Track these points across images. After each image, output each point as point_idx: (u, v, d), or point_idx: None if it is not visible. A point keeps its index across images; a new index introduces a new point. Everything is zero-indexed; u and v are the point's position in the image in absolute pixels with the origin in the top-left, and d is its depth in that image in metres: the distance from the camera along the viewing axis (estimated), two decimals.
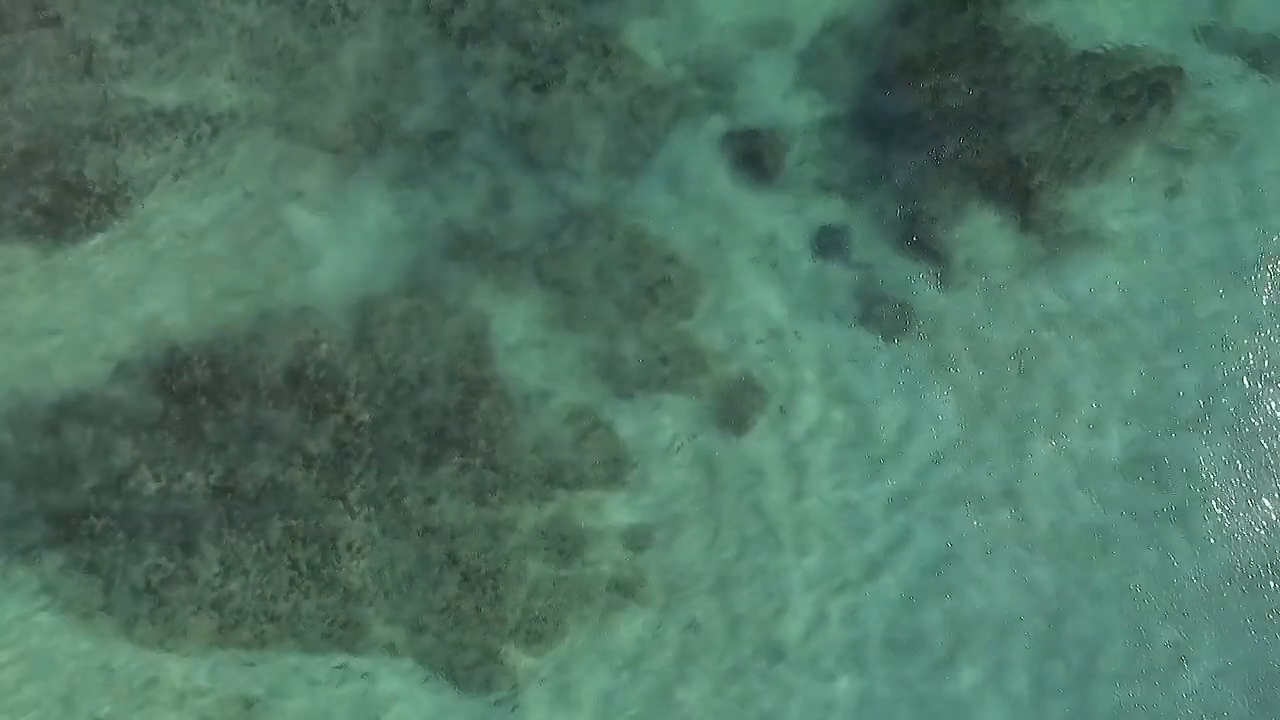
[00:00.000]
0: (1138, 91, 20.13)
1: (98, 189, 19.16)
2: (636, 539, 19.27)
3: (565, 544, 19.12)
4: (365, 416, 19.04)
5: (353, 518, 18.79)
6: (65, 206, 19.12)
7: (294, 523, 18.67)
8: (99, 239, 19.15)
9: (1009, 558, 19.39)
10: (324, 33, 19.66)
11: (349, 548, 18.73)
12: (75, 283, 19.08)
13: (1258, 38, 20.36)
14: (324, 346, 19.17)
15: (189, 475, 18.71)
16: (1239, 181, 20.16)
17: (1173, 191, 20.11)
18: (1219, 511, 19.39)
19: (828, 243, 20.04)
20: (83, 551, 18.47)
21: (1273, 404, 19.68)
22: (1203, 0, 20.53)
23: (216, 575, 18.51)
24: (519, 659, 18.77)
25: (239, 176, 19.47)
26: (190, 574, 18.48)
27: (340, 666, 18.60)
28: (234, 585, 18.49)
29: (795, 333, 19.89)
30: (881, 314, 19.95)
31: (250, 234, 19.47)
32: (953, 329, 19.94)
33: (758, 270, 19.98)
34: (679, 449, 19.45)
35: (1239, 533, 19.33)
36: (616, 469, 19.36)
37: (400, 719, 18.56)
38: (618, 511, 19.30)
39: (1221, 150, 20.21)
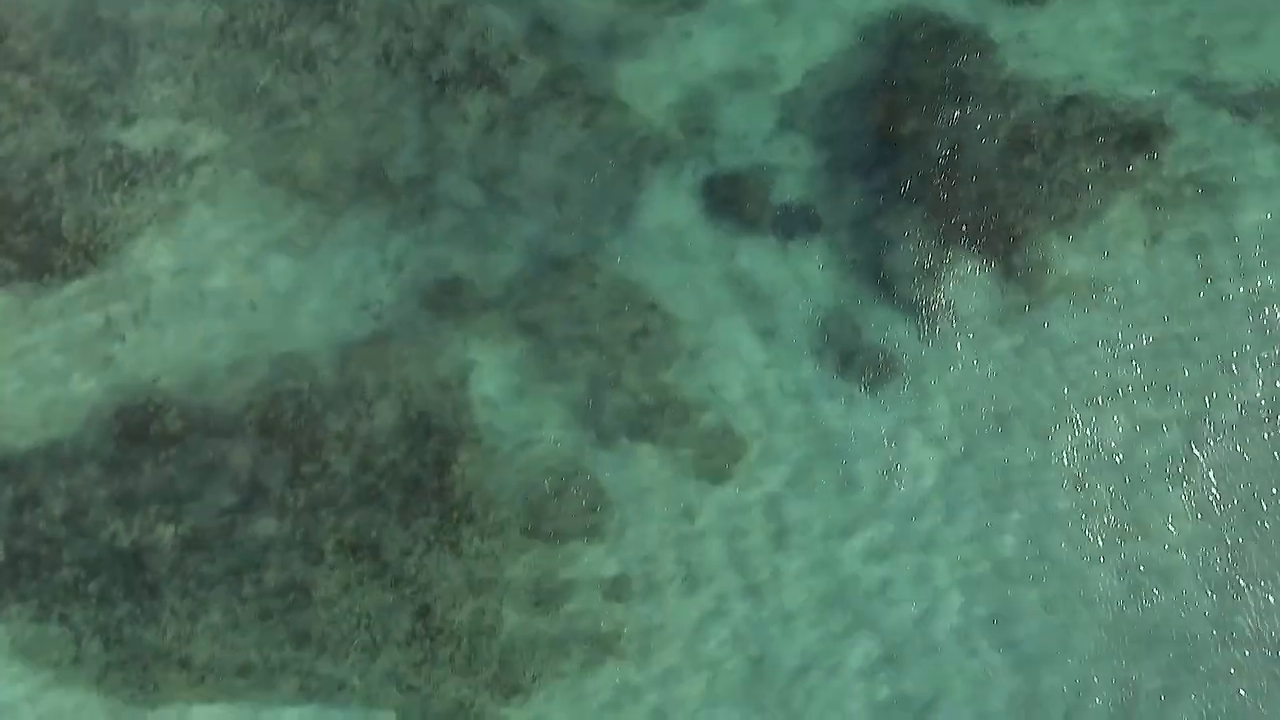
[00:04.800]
0: (1121, 140, 20.05)
1: (75, 236, 19.05)
2: (615, 590, 19.10)
3: (543, 595, 18.96)
4: (342, 466, 18.88)
5: (328, 569, 18.61)
6: (42, 254, 19.01)
7: (267, 574, 18.49)
8: (76, 286, 19.02)
9: (990, 610, 19.23)
10: (304, 77, 19.58)
11: (324, 600, 18.56)
12: (51, 330, 18.94)
13: (1242, 87, 20.29)
14: (301, 395, 19.01)
15: (161, 526, 18.54)
16: (1222, 230, 20.04)
17: (1155, 240, 19.99)
18: (1198, 562, 19.26)
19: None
20: (53, 603, 18.28)
21: (1257, 451, 19.55)
22: (1187, 50, 20.46)
23: (188, 627, 18.33)
24: (495, 712, 18.58)
25: (217, 221, 19.34)
26: (161, 626, 18.31)
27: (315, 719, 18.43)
28: (206, 637, 18.30)
29: (775, 381, 19.74)
30: (862, 362, 19.82)
31: (227, 280, 19.34)
32: (934, 377, 19.80)
33: (738, 318, 19.84)
34: (658, 499, 19.30)
35: (1220, 581, 19.20)
36: (595, 519, 19.20)
37: None
38: (596, 562, 19.13)
39: (1204, 199, 20.09)
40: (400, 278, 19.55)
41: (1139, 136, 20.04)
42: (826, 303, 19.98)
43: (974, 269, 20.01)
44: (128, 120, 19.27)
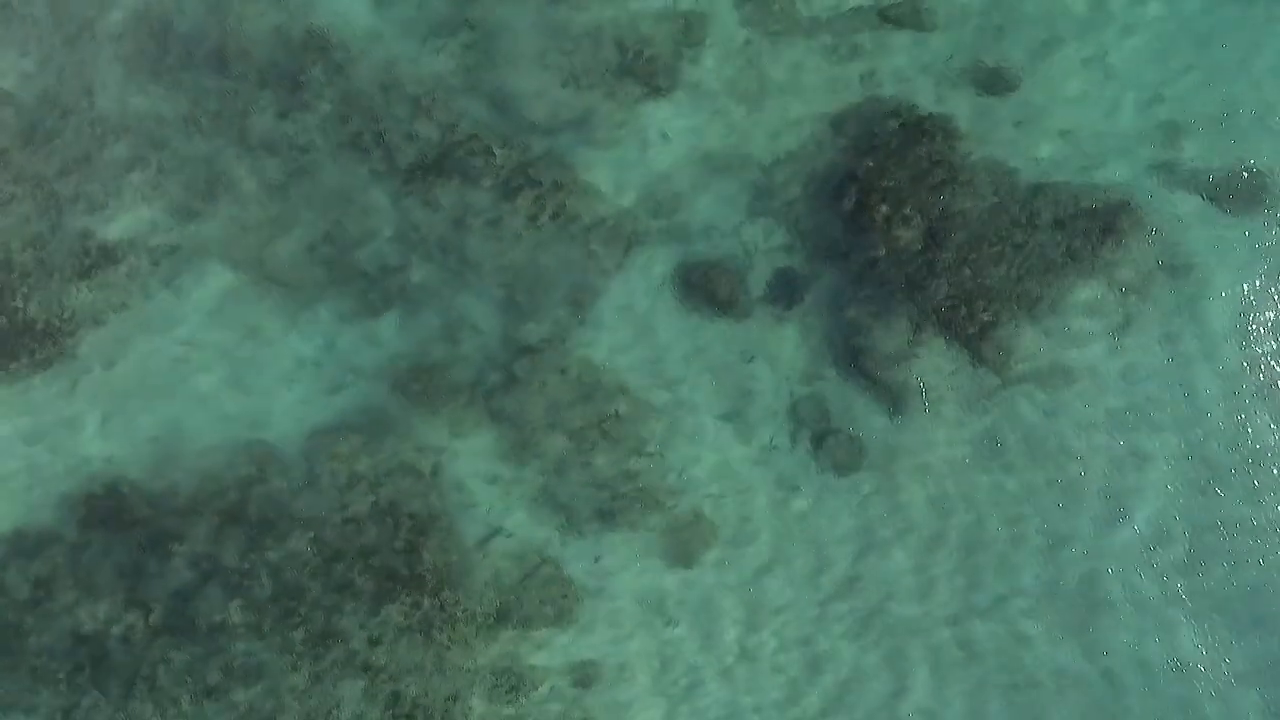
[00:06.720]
0: (1090, 225, 20.09)
1: (41, 325, 18.99)
2: (585, 677, 19.05)
3: (512, 682, 18.90)
4: (310, 555, 18.81)
5: (296, 658, 18.52)
6: (7, 343, 18.92)
7: (235, 663, 18.40)
8: (41, 375, 18.95)
9: (962, 694, 19.24)
10: (270, 165, 19.54)
11: (291, 689, 18.46)
12: (16, 419, 18.87)
13: (1212, 171, 20.35)
14: (269, 483, 18.95)
15: (128, 615, 18.45)
16: (1191, 316, 20.08)
17: (1125, 326, 20.02)
18: (1171, 656, 19.29)
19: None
20: (18, 694, 18.17)
21: (1224, 541, 19.59)
22: (1157, 134, 20.50)
23: (155, 715, 18.22)
24: None
25: (184, 310, 19.31)
26: (128, 715, 18.19)
27: None
28: None
29: (746, 466, 19.74)
30: (833, 446, 19.82)
31: (195, 368, 19.30)
32: (905, 462, 19.80)
33: (709, 404, 19.84)
34: (628, 585, 19.28)
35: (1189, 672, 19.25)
36: (565, 606, 19.16)
37: None
38: (566, 649, 19.09)
39: (1174, 284, 20.14)
40: (370, 365, 19.52)
41: (1108, 222, 20.08)
42: (798, 387, 19.99)
43: (945, 354, 20.02)
44: (96, 208, 19.22)
